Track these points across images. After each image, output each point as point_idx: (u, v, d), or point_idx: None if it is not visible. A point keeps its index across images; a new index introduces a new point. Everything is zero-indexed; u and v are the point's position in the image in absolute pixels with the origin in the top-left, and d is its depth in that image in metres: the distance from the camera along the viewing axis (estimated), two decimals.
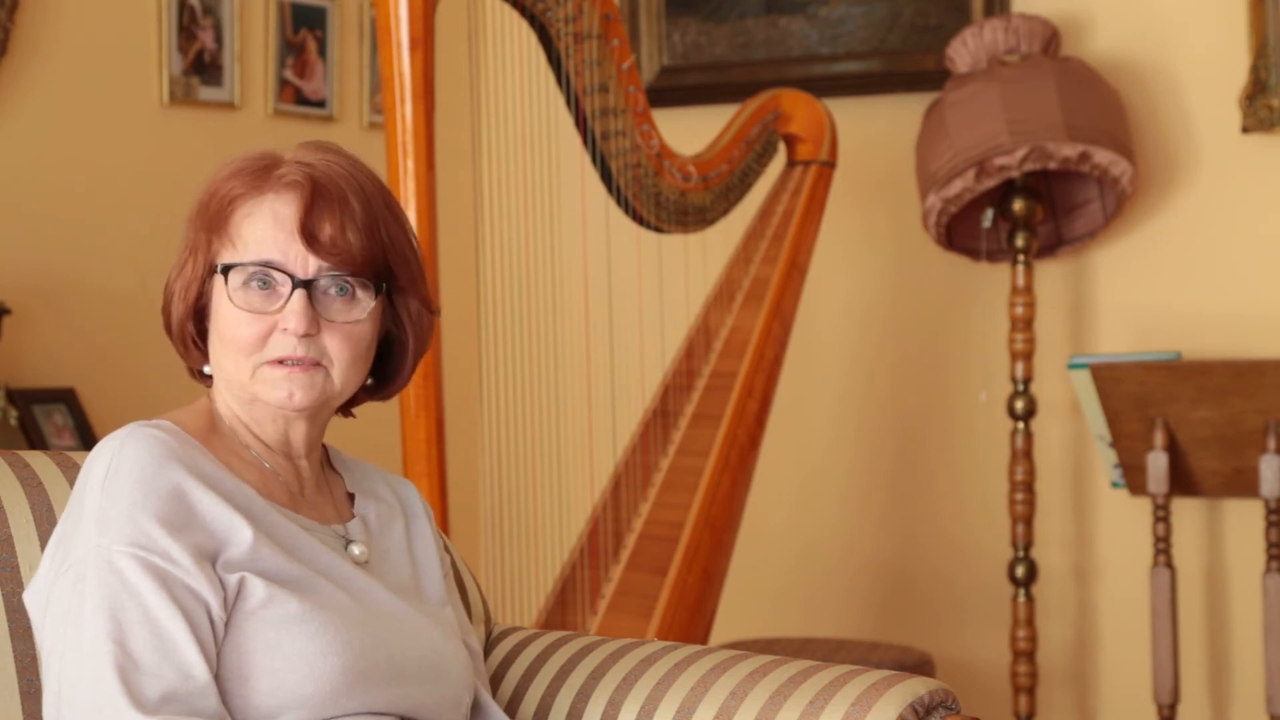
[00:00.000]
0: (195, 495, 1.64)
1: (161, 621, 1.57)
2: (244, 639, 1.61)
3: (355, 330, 1.71)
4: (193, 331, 1.74)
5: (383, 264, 1.73)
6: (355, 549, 1.76)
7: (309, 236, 1.68)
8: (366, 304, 1.72)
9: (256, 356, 1.68)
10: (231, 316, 1.68)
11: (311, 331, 1.68)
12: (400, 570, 1.81)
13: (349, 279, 1.70)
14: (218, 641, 1.60)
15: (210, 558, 1.62)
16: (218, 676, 1.60)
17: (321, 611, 1.64)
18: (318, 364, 1.69)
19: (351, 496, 1.84)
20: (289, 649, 1.62)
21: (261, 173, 1.70)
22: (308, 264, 1.68)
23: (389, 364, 1.81)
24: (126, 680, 1.54)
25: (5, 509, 1.80)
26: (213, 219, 1.71)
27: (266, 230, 1.68)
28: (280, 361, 1.68)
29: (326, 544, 1.73)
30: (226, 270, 1.68)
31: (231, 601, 1.62)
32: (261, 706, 1.60)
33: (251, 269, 1.68)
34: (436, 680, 1.74)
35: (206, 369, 1.76)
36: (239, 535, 1.64)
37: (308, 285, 1.68)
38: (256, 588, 1.62)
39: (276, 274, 1.68)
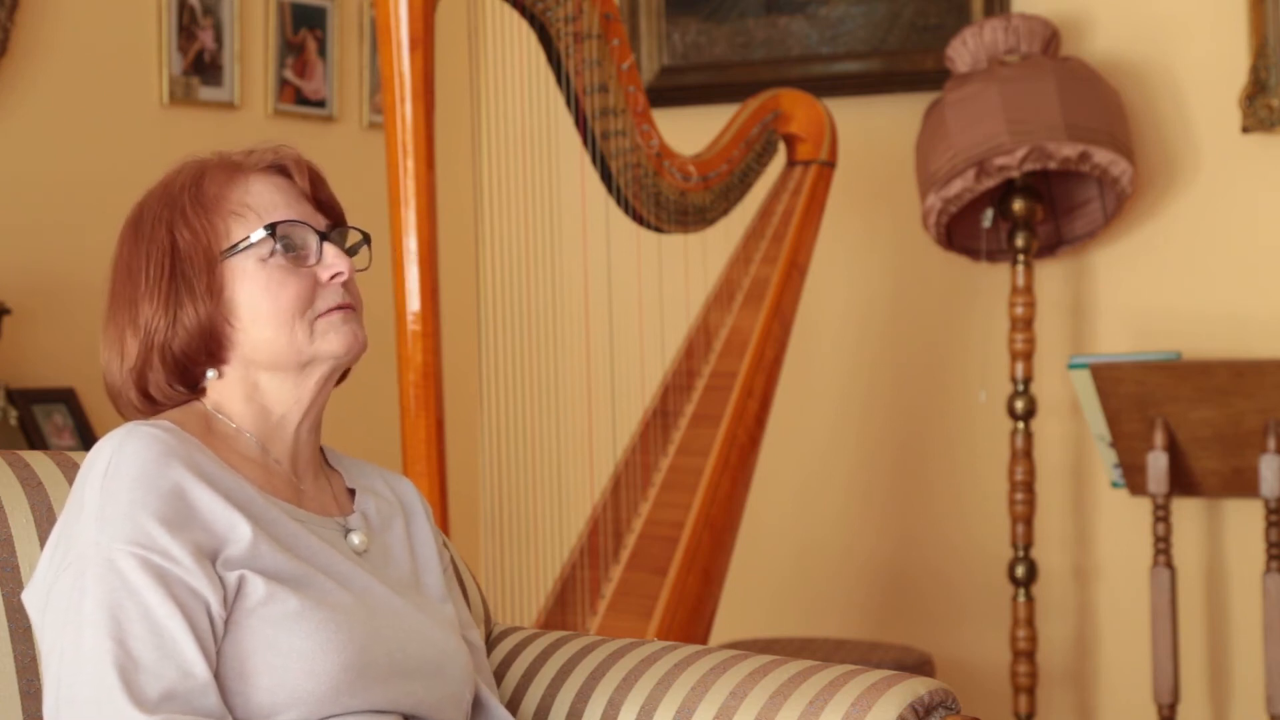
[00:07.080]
0: (195, 493, 1.64)
1: (161, 620, 1.57)
2: (244, 636, 1.61)
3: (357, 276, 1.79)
4: (221, 317, 1.72)
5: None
6: (355, 538, 1.77)
7: (315, 199, 1.77)
8: (364, 250, 1.80)
9: (309, 313, 1.72)
10: (275, 279, 1.71)
11: (351, 273, 1.74)
12: (400, 566, 1.82)
13: (347, 230, 1.78)
14: (217, 640, 1.61)
15: (210, 556, 1.62)
16: (218, 675, 1.60)
17: (321, 609, 1.65)
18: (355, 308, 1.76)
19: (351, 493, 1.85)
20: (289, 646, 1.62)
21: (229, 166, 1.77)
22: (319, 221, 1.76)
23: None
24: (126, 679, 1.54)
25: (5, 509, 1.80)
26: (210, 204, 1.73)
27: (275, 195, 1.74)
28: (329, 310, 1.73)
29: (327, 540, 1.73)
30: (273, 227, 1.70)
31: (231, 599, 1.62)
32: (262, 704, 1.61)
33: (292, 224, 1.71)
34: (437, 677, 1.74)
35: (211, 374, 1.75)
36: (238, 533, 1.64)
37: (327, 237, 1.75)
38: (256, 585, 1.63)
39: (300, 233, 1.72)
